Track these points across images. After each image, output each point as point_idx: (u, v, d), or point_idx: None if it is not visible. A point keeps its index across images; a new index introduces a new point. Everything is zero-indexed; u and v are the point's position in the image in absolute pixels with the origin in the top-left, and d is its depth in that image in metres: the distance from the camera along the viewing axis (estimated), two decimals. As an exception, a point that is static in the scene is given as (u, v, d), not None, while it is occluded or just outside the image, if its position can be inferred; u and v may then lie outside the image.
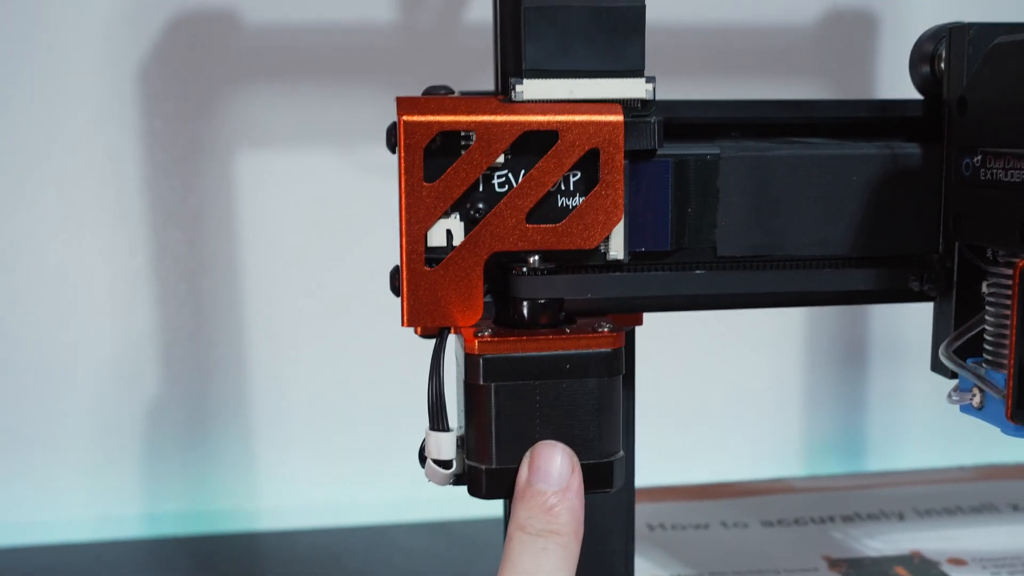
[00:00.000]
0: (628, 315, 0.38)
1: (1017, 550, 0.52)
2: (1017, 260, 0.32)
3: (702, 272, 0.37)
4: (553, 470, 0.33)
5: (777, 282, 0.37)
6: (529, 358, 0.34)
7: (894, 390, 0.78)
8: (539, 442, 0.34)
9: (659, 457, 0.69)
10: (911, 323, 0.76)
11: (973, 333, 0.35)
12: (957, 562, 0.52)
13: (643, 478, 0.55)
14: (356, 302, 0.71)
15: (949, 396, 0.36)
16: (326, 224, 0.71)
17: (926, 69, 0.38)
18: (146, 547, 0.69)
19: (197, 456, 0.73)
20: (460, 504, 0.69)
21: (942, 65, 0.37)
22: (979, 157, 0.35)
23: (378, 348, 0.71)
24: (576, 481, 0.34)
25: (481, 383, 0.34)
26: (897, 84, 0.39)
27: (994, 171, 0.34)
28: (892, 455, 0.79)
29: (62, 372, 0.70)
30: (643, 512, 0.57)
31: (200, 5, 0.67)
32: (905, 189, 0.37)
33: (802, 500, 0.59)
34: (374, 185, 0.68)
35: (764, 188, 0.37)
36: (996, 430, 0.72)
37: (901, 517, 0.57)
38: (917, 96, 0.39)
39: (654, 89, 0.36)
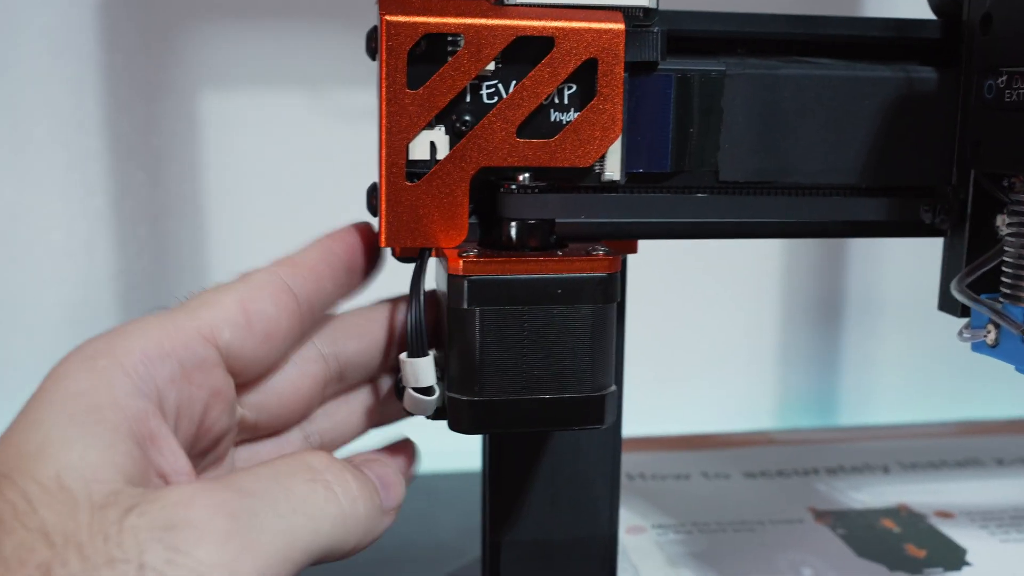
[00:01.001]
0: (621, 242, 0.35)
1: (1005, 504, 0.51)
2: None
3: (704, 196, 0.34)
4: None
5: (782, 210, 0.35)
6: (518, 280, 0.31)
7: (868, 348, 0.77)
8: None
9: (630, 409, 0.67)
10: (888, 281, 0.75)
11: (988, 268, 0.33)
12: (945, 515, 0.50)
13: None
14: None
15: (960, 333, 0.34)
16: (293, 168, 0.68)
17: (943, -15, 0.35)
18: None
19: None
20: (427, 458, 0.67)
21: (962, -17, 0.35)
22: (1004, 78, 0.32)
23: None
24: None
25: (465, 307, 0.31)
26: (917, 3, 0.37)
27: (1020, 92, 0.32)
28: (864, 412, 0.78)
29: (17, 316, 0.67)
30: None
31: (165, -68, 0.64)
32: (919, 115, 0.35)
33: (784, 452, 0.57)
34: (344, 129, 0.65)
35: (771, 109, 0.35)
36: (969, 387, 0.71)
37: (886, 470, 0.55)
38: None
39: (656, -3, 0.33)
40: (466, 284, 0.31)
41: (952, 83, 0.35)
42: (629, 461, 0.56)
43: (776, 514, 0.50)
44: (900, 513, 0.50)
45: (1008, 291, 0.32)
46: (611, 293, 0.32)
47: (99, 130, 0.66)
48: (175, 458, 0.28)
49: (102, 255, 0.67)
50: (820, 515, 0.50)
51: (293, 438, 0.35)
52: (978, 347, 0.34)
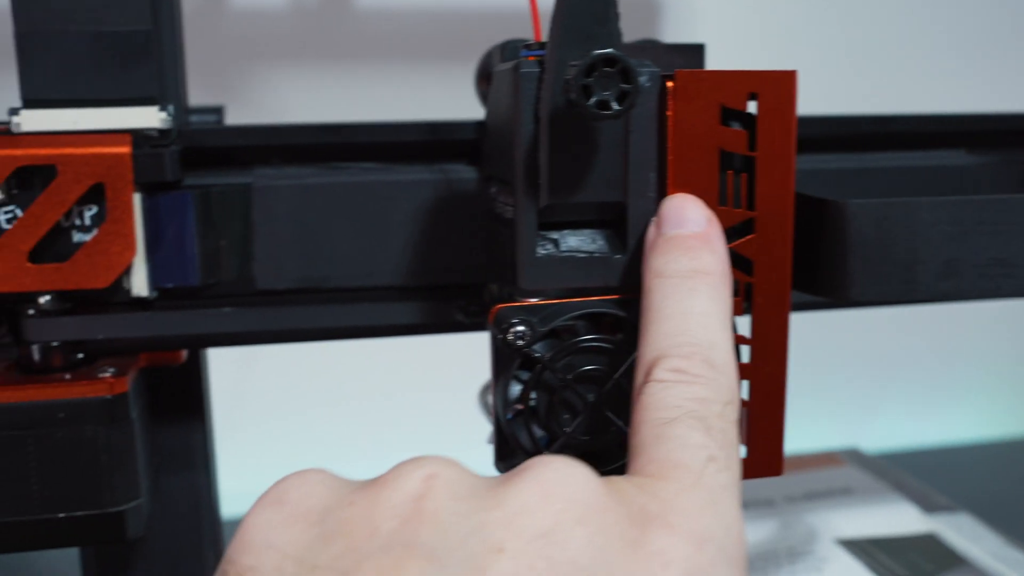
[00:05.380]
0: (167, 352, 0.36)
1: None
2: (494, 306, 0.30)
3: (230, 310, 0.35)
4: (685, 215, 0.28)
5: (314, 317, 0.36)
6: (17, 407, 0.32)
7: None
8: (668, 196, 0.28)
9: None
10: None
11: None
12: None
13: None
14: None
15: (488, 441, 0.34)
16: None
17: (485, 87, 0.36)
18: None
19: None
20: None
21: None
22: (494, 188, 0.33)
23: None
24: (716, 228, 0.28)
25: (-33, 435, 0.32)
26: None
27: (501, 205, 0.32)
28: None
29: None
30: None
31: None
32: (459, 215, 0.36)
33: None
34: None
35: (305, 218, 0.35)
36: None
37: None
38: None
39: (171, 117, 0.34)
40: (-36, 413, 0.32)
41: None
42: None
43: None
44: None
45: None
46: (118, 413, 0.33)
47: None
48: None
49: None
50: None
51: None
52: (501, 449, 0.34)
